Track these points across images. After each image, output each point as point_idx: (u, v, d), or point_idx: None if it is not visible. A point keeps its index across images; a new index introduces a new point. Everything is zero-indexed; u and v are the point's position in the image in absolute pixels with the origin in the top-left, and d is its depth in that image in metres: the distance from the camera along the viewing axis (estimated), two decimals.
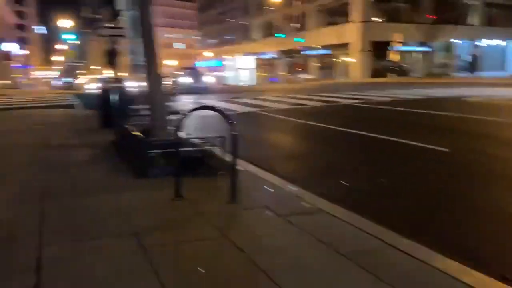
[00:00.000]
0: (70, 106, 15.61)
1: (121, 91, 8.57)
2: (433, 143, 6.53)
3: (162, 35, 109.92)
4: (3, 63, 45.19)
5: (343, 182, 4.71)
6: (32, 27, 75.97)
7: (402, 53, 41.23)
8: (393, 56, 37.89)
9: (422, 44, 41.30)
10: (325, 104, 13.76)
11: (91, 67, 63.75)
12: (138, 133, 5.14)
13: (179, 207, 3.64)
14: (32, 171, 4.93)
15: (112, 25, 9.59)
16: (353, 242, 2.91)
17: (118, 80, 9.29)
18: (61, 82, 48.17)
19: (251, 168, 5.17)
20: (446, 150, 6.14)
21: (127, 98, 8.69)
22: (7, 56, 45.38)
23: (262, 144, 7.37)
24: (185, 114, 3.91)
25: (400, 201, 4.13)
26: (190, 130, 8.03)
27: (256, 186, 4.35)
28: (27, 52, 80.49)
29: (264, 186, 4.33)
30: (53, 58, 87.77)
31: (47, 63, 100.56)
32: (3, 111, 13.63)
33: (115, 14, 9.21)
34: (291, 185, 4.38)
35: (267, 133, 8.80)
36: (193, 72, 29.45)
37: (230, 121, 3.70)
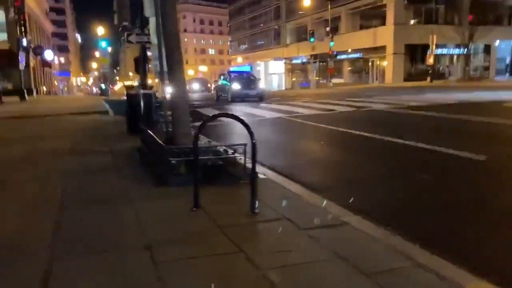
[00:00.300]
0: (103, 112, 15.93)
1: (148, 97, 8.60)
2: (470, 150, 6.13)
3: (193, 41, 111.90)
4: (45, 70, 47.02)
5: (371, 193, 4.45)
6: (70, 35, 78.86)
7: (438, 55, 39.98)
8: (429, 59, 36.73)
9: (459, 46, 39.84)
10: (355, 109, 13.39)
11: (130, 73, 65.52)
12: (159, 140, 5.07)
13: (196, 218, 3.51)
14: (53, 179, 4.94)
15: (140, 32, 9.69)
16: (378, 260, 2.67)
17: (146, 86, 9.35)
18: (95, 89, 49.68)
19: (275, 176, 4.99)
20: (484, 158, 5.75)
21: (154, 104, 8.73)
22: (48, 63, 47.21)
23: (288, 152, 7.17)
24: (204, 121, 3.78)
25: (434, 216, 3.83)
26: (215, 137, 8.00)
27: (279, 196, 4.16)
28: (65, 59, 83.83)
29: (288, 196, 4.14)
30: (90, 65, 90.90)
31: (84, 70, 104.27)
32: (38, 118, 14.06)
33: (144, 21, 9.30)
34: (316, 195, 4.17)
35: (294, 139, 8.59)
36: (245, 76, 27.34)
37: (250, 129, 3.53)
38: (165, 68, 5.94)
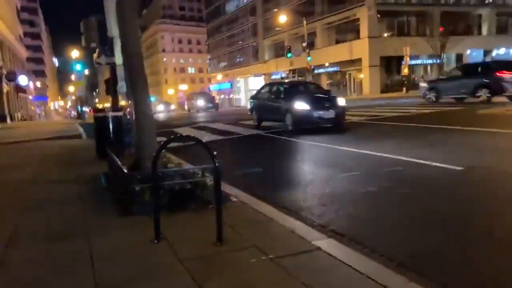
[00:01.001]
0: (76, 136, 15.46)
1: (118, 120, 8.27)
2: (444, 161, 6.00)
3: (173, 60, 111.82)
4: (19, 96, 46.02)
5: (347, 212, 4.22)
6: (47, 59, 77.76)
7: (413, 66, 40.73)
8: (404, 70, 37.36)
9: (432, 56, 40.74)
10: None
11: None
12: (122, 165, 4.76)
13: (156, 251, 3.20)
14: (7, 213, 4.56)
15: (109, 53, 9.41)
16: None
17: (117, 108, 9.02)
18: (73, 112, 48.83)
19: (247, 198, 4.71)
20: (460, 168, 5.62)
21: (126, 126, 8.40)
22: (22, 89, 46.27)
23: (263, 170, 6.92)
24: (162, 144, 3.50)
25: (416, 233, 3.62)
26: (195, 158, 7.70)
27: (250, 220, 3.89)
28: (42, 84, 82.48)
29: (259, 220, 3.87)
30: (68, 88, 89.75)
31: (62, 94, 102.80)
32: (4, 145, 13.51)
33: (113, 42, 9.02)
34: (289, 218, 3.91)
35: (269, 156, 8.35)
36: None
37: (211, 152, 3.27)
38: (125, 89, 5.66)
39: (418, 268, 2.82)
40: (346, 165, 6.61)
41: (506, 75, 16.61)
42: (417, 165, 6.10)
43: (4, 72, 33.79)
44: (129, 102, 6.87)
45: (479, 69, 18.35)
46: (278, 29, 51.33)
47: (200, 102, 37.37)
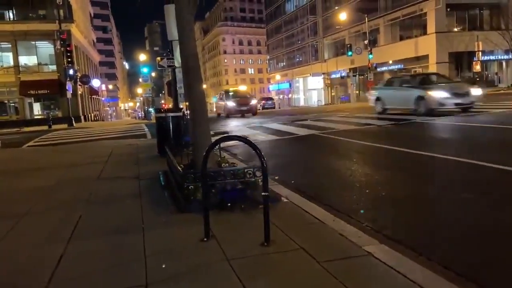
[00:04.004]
0: (141, 136, 16.25)
1: (177, 119, 8.56)
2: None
3: (233, 62, 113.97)
4: (92, 98, 49.34)
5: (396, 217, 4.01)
6: (118, 63, 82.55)
7: (486, 62, 38.06)
8: (476, 67, 35.00)
9: (508, 51, 37.74)
10: (395, 123, 12.77)
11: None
12: (178, 164, 4.91)
13: (205, 250, 3.25)
14: (72, 207, 4.88)
15: (171, 56, 9.78)
16: None
17: (177, 108, 9.34)
18: (140, 113, 51.54)
19: (299, 199, 4.66)
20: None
21: (183, 127, 8.67)
22: (95, 91, 49.57)
23: (315, 171, 6.80)
24: (213, 144, 3.56)
25: (479, 243, 3.36)
26: (249, 157, 7.78)
27: (299, 221, 3.84)
28: (113, 86, 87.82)
29: (309, 222, 3.81)
30: (137, 90, 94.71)
31: (131, 95, 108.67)
32: (74, 144, 14.53)
33: (170, 45, 9.38)
34: (340, 221, 3.80)
35: (324, 157, 8.19)
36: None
37: (258, 151, 3.26)
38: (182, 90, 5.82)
39: (478, 280, 2.61)
40: (405, 167, 6.31)
41: None
42: (492, 170, 5.68)
43: (79, 75, 36.39)
44: (186, 102, 7.10)
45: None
46: (339, 27, 50.39)
47: (230, 104, 25.81)
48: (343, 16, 44.38)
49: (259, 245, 3.23)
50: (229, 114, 25.69)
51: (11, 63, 35.30)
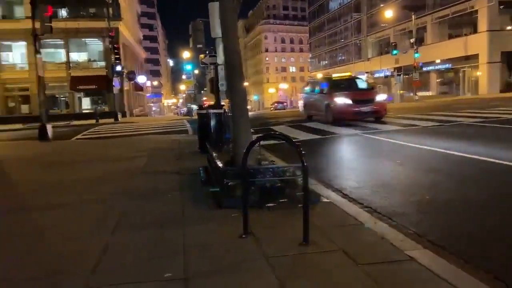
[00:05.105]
0: (182, 132, 16.59)
1: (218, 116, 8.65)
2: None
3: (274, 60, 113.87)
4: (137, 94, 50.91)
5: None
6: (162, 60, 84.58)
7: None
8: None
9: None
10: (440, 124, 12.28)
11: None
12: (218, 160, 4.96)
13: (243, 246, 3.27)
14: (116, 199, 5.05)
15: (212, 53, 9.91)
16: None
17: (218, 105, 9.45)
18: (183, 110, 52.62)
19: (339, 199, 4.59)
20: None
21: (224, 124, 8.76)
22: (140, 87, 51.10)
23: (357, 171, 6.66)
24: (253, 142, 3.56)
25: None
26: (289, 155, 7.73)
27: (340, 223, 3.78)
28: (158, 83, 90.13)
29: (350, 223, 3.74)
30: (180, 87, 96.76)
31: (174, 92, 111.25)
32: (122, 138, 15.05)
33: (213, 43, 9.51)
34: (382, 223, 3.70)
35: (366, 158, 8.01)
36: None
37: (299, 150, 3.23)
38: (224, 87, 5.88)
39: None
40: (451, 170, 6.06)
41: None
42: None
43: (125, 71, 37.63)
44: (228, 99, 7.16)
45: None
46: (384, 25, 49.07)
47: (341, 101, 14.60)
48: (388, 13, 43.16)
49: (298, 245, 3.20)
50: (339, 118, 14.18)
51: (63, 59, 37.01)
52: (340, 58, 67.15)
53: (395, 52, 40.27)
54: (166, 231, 3.72)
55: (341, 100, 14.17)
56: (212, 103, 13.36)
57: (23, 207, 4.97)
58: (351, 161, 7.91)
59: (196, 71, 47.86)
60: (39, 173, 7.65)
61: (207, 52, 13.66)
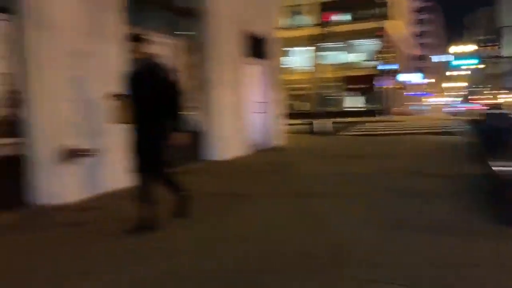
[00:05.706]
0: (450, 133, 15.34)
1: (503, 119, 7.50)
2: None
3: None
4: (398, 92, 49.68)
5: None
6: (430, 56, 79.23)
7: None
8: None
9: None
10: None
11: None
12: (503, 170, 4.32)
13: None
14: (383, 197, 5.14)
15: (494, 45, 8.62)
16: None
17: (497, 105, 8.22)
18: (452, 109, 48.18)
19: None
20: None
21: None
22: (408, 85, 49.78)
23: None
24: None
25: None
26: None
27: None
28: (425, 81, 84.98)
29: None
30: (444, 85, 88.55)
31: (440, 90, 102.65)
32: (391, 136, 15.11)
33: (497, 33, 8.22)
34: None
35: None
36: None
37: None
38: None
39: None
40: None
41: None
42: None
43: (394, 70, 37.30)
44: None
45: None
46: None
47: None
48: None
49: None
50: None
51: (340, 61, 39.61)
52: None
53: None
54: (439, 237, 3.56)
55: None
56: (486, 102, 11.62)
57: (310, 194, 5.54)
58: None
59: (471, 66, 42.82)
60: (316, 164, 8.40)
61: (488, 45, 12.00)
